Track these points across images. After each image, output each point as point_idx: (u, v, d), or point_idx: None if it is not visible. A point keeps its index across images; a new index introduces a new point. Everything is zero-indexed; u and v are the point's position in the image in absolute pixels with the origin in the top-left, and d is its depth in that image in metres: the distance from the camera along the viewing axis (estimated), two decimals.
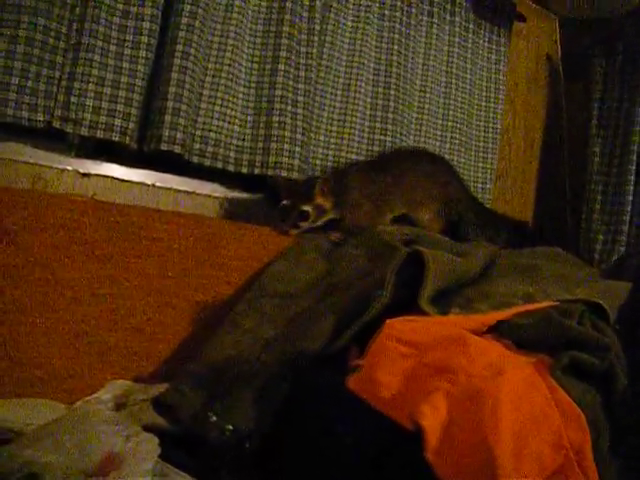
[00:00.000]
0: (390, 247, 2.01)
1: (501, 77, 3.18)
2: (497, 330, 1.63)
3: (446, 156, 2.92)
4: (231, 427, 1.66)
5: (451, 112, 3.00)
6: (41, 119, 2.03)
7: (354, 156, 2.65)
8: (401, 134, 2.76)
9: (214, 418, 1.68)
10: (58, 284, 1.92)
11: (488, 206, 2.92)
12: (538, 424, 1.38)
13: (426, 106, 2.91)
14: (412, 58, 2.83)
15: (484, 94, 3.14)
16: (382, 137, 2.72)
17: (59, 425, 1.43)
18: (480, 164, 3.10)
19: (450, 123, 3.00)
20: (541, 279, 1.95)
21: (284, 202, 2.30)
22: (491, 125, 3.16)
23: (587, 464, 1.37)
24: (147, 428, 1.51)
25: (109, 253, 1.99)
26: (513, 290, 1.86)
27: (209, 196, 2.39)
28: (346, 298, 1.89)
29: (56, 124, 2.05)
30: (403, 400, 1.47)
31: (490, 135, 3.15)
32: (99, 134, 2.09)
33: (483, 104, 3.14)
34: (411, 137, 2.85)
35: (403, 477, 1.48)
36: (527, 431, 1.35)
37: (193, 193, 2.35)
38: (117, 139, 2.10)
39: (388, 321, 1.58)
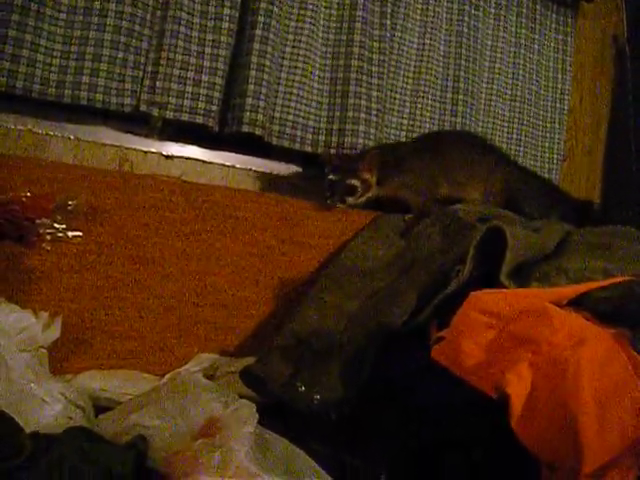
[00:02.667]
0: (467, 224, 2.04)
1: (568, 57, 3.18)
2: (577, 303, 1.65)
3: (514, 136, 2.95)
4: (318, 397, 1.72)
5: (519, 93, 3.01)
6: (128, 103, 2.11)
7: None
8: (471, 115, 2.78)
9: (302, 388, 1.73)
10: (149, 261, 2.00)
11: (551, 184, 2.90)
12: (619, 393, 1.40)
13: (494, 87, 2.93)
14: (481, 40, 2.85)
15: (551, 74, 3.14)
16: (452, 118, 2.75)
17: (160, 393, 1.50)
18: (547, 144, 3.11)
19: (518, 103, 3.01)
20: (618, 256, 1.97)
21: (331, 176, 2.27)
22: (558, 105, 3.16)
23: None
24: None
25: (196, 231, 2.06)
26: (590, 266, 1.88)
27: (286, 177, 2.44)
28: (425, 274, 1.93)
29: (143, 108, 2.12)
30: (487, 369, 1.51)
31: (557, 115, 3.16)
32: (184, 117, 2.16)
33: (550, 84, 3.14)
34: (480, 118, 2.87)
35: (487, 446, 1.53)
36: (609, 399, 1.37)
37: (271, 174, 2.41)
38: (201, 122, 2.17)
39: (472, 293, 1.61)
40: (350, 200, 2.26)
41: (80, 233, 1.87)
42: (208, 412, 1.37)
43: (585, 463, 1.30)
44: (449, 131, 2.76)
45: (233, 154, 2.35)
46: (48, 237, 1.80)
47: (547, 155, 3.09)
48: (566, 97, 3.18)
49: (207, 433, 1.31)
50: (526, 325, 1.53)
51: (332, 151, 2.42)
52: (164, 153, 2.22)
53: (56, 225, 1.80)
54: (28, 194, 1.76)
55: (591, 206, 2.77)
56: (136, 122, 2.22)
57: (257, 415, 1.37)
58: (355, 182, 2.26)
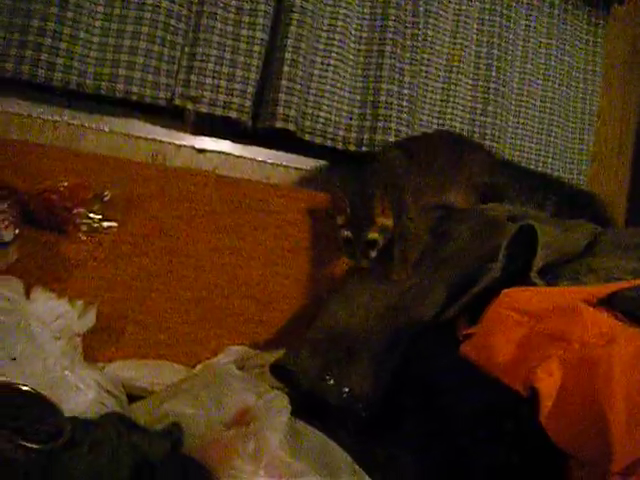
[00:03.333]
0: (497, 223, 2.05)
1: (598, 59, 3.17)
2: (607, 302, 1.66)
3: (543, 136, 2.95)
4: (347, 390, 1.74)
5: (549, 93, 3.01)
6: (163, 97, 2.13)
7: None
8: (501, 114, 2.79)
9: (332, 381, 1.75)
10: (182, 253, 2.03)
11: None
12: None
13: (525, 87, 2.93)
14: (512, 40, 2.85)
15: (581, 75, 3.14)
16: (482, 117, 2.75)
17: (193, 382, 1.52)
18: (576, 145, 3.11)
19: (548, 104, 3.01)
20: None
21: (345, 233, 2.02)
22: (588, 107, 3.16)
23: None
24: None
25: (229, 225, 2.09)
26: (620, 266, 1.88)
27: (318, 172, 2.46)
28: (454, 272, 1.94)
29: (177, 102, 2.15)
30: (517, 366, 1.52)
31: (587, 117, 3.15)
32: (218, 111, 2.18)
33: (580, 85, 3.14)
34: (510, 118, 2.88)
35: (516, 442, 1.54)
36: (639, 398, 1.39)
37: (302, 169, 2.43)
38: (234, 116, 2.19)
39: (504, 290, 1.63)
40: (373, 254, 2.02)
41: (115, 224, 1.90)
42: (241, 402, 1.39)
43: (614, 461, 1.31)
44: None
45: (265, 149, 2.37)
46: (84, 227, 1.83)
47: (576, 156, 3.08)
48: (595, 98, 3.18)
49: (241, 422, 1.33)
50: (557, 323, 1.54)
51: (338, 192, 2.09)
52: (197, 147, 2.24)
53: (92, 215, 1.83)
54: (65, 184, 1.79)
55: (593, 199, 2.67)
56: (170, 116, 2.23)
57: (290, 406, 1.38)
58: (374, 235, 2.01)
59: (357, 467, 1.33)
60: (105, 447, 1.18)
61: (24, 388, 1.21)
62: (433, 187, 2.25)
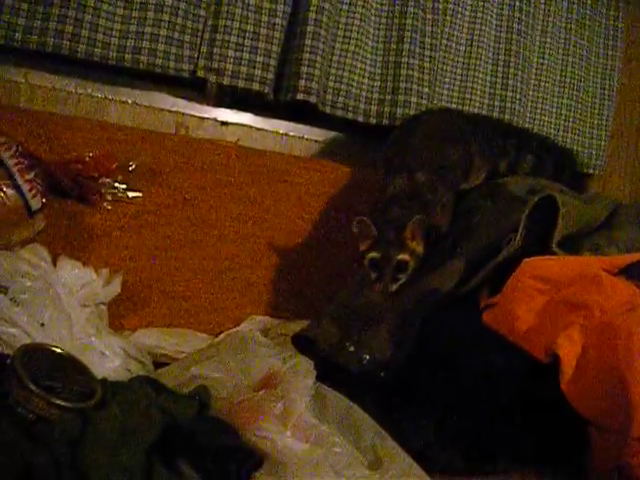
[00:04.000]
0: (517, 197, 2.06)
1: (618, 34, 3.16)
2: (628, 271, 1.67)
3: (562, 111, 2.94)
4: (368, 357, 1.76)
5: (569, 68, 3.00)
6: (186, 69, 2.15)
7: (476, 110, 2.68)
8: (521, 89, 2.78)
9: (352, 349, 1.78)
10: (205, 223, 2.05)
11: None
12: None
13: (545, 61, 2.92)
14: (533, 15, 2.84)
15: (601, 51, 3.12)
16: (503, 91, 2.75)
17: (219, 348, 1.54)
18: (595, 120, 3.10)
19: (568, 79, 3.00)
20: None
21: (372, 254, 1.92)
22: (607, 82, 3.14)
23: None
24: None
25: (252, 195, 2.11)
26: None
27: (338, 145, 2.47)
28: (476, 244, 1.95)
29: (200, 74, 2.16)
30: (539, 334, 1.54)
31: (606, 92, 3.14)
32: (240, 83, 2.20)
33: (600, 61, 3.12)
34: (530, 92, 2.87)
35: (536, 408, 1.56)
36: None
37: (323, 142, 2.44)
38: (257, 89, 2.21)
39: (525, 259, 1.64)
40: (403, 278, 1.92)
41: (140, 194, 1.92)
42: (267, 366, 1.41)
43: (635, 426, 1.33)
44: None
45: (286, 122, 2.38)
46: (109, 197, 1.86)
47: (595, 131, 3.08)
48: (615, 74, 3.16)
49: (267, 386, 1.35)
50: (578, 291, 1.55)
51: (366, 219, 1.94)
52: (219, 119, 2.26)
53: (117, 185, 1.85)
54: (91, 154, 1.81)
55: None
56: (192, 88, 2.25)
57: (315, 371, 1.40)
58: (405, 256, 1.91)
59: (380, 429, 1.35)
60: (136, 408, 1.20)
61: (57, 350, 1.24)
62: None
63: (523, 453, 1.54)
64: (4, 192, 1.60)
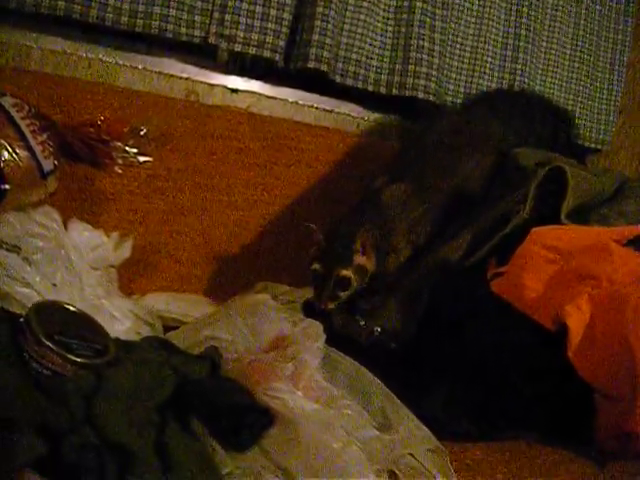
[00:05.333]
0: (525, 169, 2.06)
1: (630, 9, 3.15)
2: (636, 242, 1.68)
3: (572, 85, 2.93)
4: (379, 329, 1.77)
5: (579, 42, 2.99)
6: (198, 35, 2.14)
7: (486, 83, 2.68)
8: (531, 62, 2.78)
9: (362, 322, 1.79)
10: (215, 189, 2.06)
11: None
12: None
13: (555, 35, 2.91)
14: None
15: (612, 26, 3.11)
16: (512, 64, 2.74)
17: (228, 311, 1.55)
18: (605, 96, 3.09)
19: (578, 53, 2.99)
20: None
21: (315, 266, 1.83)
22: (618, 57, 3.13)
23: None
24: None
25: (262, 162, 2.12)
26: None
27: (347, 115, 2.47)
28: (485, 215, 1.96)
29: (211, 40, 2.15)
30: (547, 303, 1.55)
31: (616, 68, 3.13)
32: (251, 50, 2.19)
33: (611, 36, 3.11)
34: (540, 65, 2.87)
35: (543, 375, 1.57)
36: None
37: (332, 111, 2.44)
38: (268, 56, 2.20)
39: (534, 229, 1.65)
40: (343, 296, 1.81)
41: (150, 158, 1.92)
42: (278, 329, 1.43)
43: None
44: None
45: (296, 90, 2.38)
46: (120, 161, 1.86)
47: (604, 106, 3.07)
48: (626, 50, 3.15)
49: (278, 347, 1.37)
50: (587, 261, 1.56)
51: (313, 226, 1.87)
52: (229, 87, 2.25)
53: (128, 149, 1.85)
54: (102, 118, 1.82)
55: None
56: (203, 55, 2.24)
57: (324, 334, 1.41)
58: (348, 273, 1.80)
59: (389, 392, 1.36)
60: (149, 366, 1.22)
61: (71, 308, 1.24)
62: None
63: (531, 421, 1.55)
64: (17, 153, 1.60)
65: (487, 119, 2.18)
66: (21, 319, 1.16)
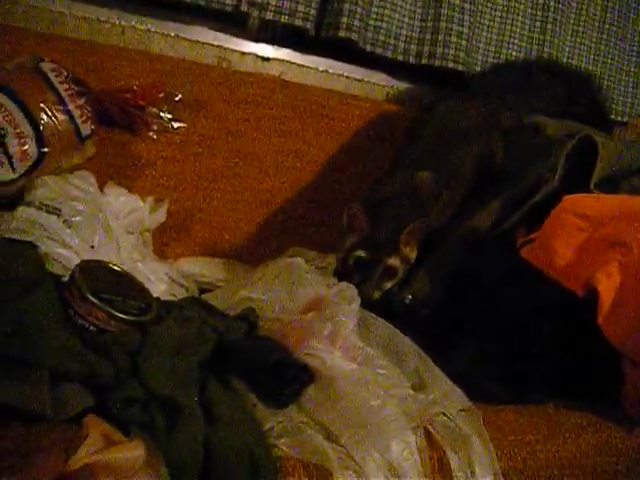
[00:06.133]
0: (554, 139, 2.07)
1: None
2: None
3: (600, 59, 2.92)
4: (410, 296, 1.79)
5: (608, 14, 2.97)
6: (230, 3, 2.14)
7: (514, 53, 2.68)
8: (559, 34, 2.77)
9: (395, 289, 1.81)
10: (247, 155, 2.08)
11: None
12: None
13: (584, 7, 2.90)
14: None
15: None
16: (541, 35, 2.74)
17: (264, 273, 1.58)
18: (632, 69, 3.07)
19: (607, 26, 2.98)
20: None
21: (359, 253, 1.76)
22: None
23: None
24: None
25: (294, 129, 2.14)
26: None
27: (377, 84, 2.48)
28: (512, 185, 1.97)
29: (244, 8, 2.16)
30: (577, 269, 1.57)
31: None
32: (283, 19, 2.20)
33: None
34: (568, 37, 2.86)
35: (572, 341, 1.59)
36: None
37: (362, 80, 2.46)
38: (299, 24, 2.21)
39: (566, 196, 1.66)
40: (388, 285, 1.78)
41: (184, 124, 1.94)
42: (313, 291, 1.45)
43: None
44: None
45: (326, 59, 2.39)
46: (155, 127, 1.88)
47: (631, 80, 3.06)
48: None
49: (314, 309, 1.39)
50: (617, 228, 1.57)
51: (357, 207, 1.81)
52: (260, 55, 2.27)
53: (162, 115, 1.87)
54: (137, 83, 1.83)
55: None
56: (234, 23, 2.25)
57: (359, 297, 1.44)
58: (396, 262, 1.77)
59: (423, 353, 1.39)
60: (190, 324, 1.25)
61: (115, 268, 1.27)
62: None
63: (559, 386, 1.57)
64: (56, 117, 1.62)
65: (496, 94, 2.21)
66: (66, 278, 1.19)
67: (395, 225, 1.76)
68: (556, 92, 2.31)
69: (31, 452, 0.74)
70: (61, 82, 1.67)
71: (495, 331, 1.66)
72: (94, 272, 1.20)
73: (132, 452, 0.77)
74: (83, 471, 0.68)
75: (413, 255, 1.81)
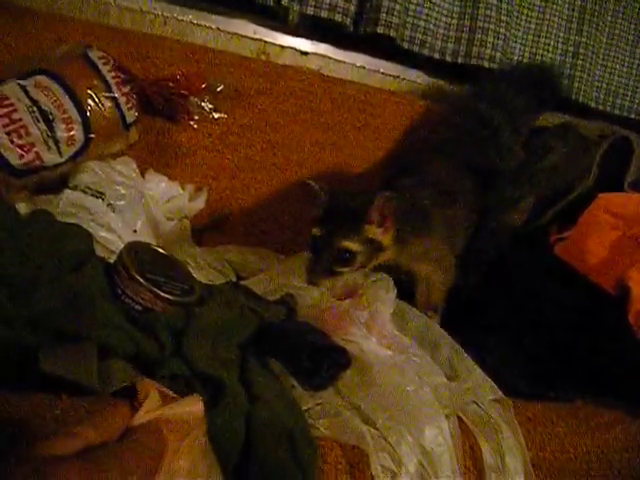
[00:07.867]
0: (589, 139, 2.09)
1: None
2: None
3: (635, 62, 2.92)
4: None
5: None
6: None
7: (549, 55, 2.70)
8: (595, 35, 2.78)
9: None
10: (286, 147, 2.11)
11: None
12: None
13: (621, 9, 2.90)
14: None
15: None
16: (577, 37, 2.75)
17: (301, 261, 1.61)
18: None
19: None
20: None
21: (314, 230, 1.51)
22: None
23: None
24: None
25: (332, 123, 2.17)
26: None
27: (413, 81, 2.51)
28: (548, 182, 2.00)
29: (284, 2, 2.19)
30: (609, 267, 1.59)
31: None
32: (323, 14, 2.22)
33: None
34: (604, 39, 2.87)
35: (602, 338, 1.61)
36: None
37: (399, 77, 2.48)
38: (339, 20, 2.23)
39: (600, 194, 1.69)
40: (340, 271, 1.47)
41: (225, 115, 1.97)
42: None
43: None
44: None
45: (364, 55, 2.42)
46: (196, 116, 1.91)
47: None
48: None
49: (352, 296, 1.42)
50: None
51: (313, 183, 1.59)
52: (299, 49, 2.29)
53: (204, 105, 1.91)
54: (181, 73, 1.87)
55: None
56: (273, 17, 2.28)
57: (395, 287, 1.47)
58: (351, 245, 1.46)
59: (456, 344, 1.41)
60: (231, 307, 1.28)
61: (160, 250, 1.31)
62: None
63: (585, 382, 1.60)
64: (102, 104, 1.67)
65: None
66: (113, 258, 1.23)
67: (364, 199, 1.48)
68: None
69: (98, 409, 0.76)
70: (108, 70, 1.71)
71: (526, 326, 1.68)
72: (141, 253, 1.23)
73: (193, 406, 0.80)
74: (147, 426, 0.71)
75: (387, 240, 1.51)
